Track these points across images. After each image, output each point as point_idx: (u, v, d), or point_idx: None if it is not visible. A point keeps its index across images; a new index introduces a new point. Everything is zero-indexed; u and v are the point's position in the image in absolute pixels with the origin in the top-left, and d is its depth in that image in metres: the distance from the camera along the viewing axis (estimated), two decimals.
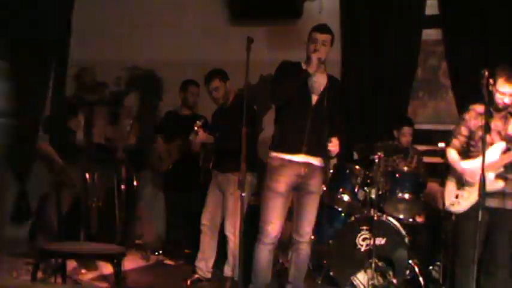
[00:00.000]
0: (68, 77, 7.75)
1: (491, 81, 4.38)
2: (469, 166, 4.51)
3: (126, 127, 6.22)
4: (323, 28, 4.85)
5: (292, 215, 5.00)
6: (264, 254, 4.76)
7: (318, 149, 4.78)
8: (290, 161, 4.74)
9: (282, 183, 4.73)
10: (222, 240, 5.52)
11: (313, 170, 4.81)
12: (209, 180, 5.62)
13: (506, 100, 4.44)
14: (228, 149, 5.30)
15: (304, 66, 4.78)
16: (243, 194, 4.51)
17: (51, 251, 3.94)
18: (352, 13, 7.05)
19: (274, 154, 4.81)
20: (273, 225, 4.71)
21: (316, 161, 4.82)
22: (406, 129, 6.28)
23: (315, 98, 4.80)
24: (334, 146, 4.66)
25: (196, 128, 5.35)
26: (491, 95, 4.42)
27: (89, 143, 6.21)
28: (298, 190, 4.83)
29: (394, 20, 6.89)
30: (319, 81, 4.80)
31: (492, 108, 4.44)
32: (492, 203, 4.41)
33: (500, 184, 4.41)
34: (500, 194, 4.45)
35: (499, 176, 4.42)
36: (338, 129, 4.84)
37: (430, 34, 6.95)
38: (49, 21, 7.53)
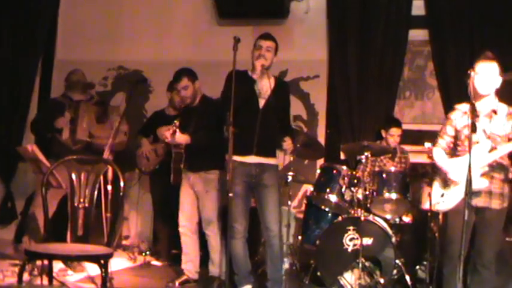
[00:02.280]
0: (53, 77, 7.75)
1: (472, 72, 4.40)
2: (455, 165, 4.53)
3: (114, 125, 6.20)
4: (267, 36, 5.10)
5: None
6: (239, 247, 5.01)
7: (269, 149, 5.06)
8: (241, 163, 4.95)
9: (236, 185, 4.90)
10: (204, 239, 5.53)
11: (265, 168, 5.02)
12: (180, 180, 5.64)
13: (487, 81, 4.42)
14: (199, 150, 5.40)
15: (250, 73, 5.02)
16: (230, 194, 4.59)
17: (37, 253, 3.91)
18: (339, 13, 7.05)
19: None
20: (240, 222, 4.99)
21: (267, 160, 5.05)
22: (394, 130, 6.30)
23: (262, 102, 5.01)
24: (288, 145, 5.00)
25: (175, 128, 5.35)
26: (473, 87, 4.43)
27: (74, 140, 6.19)
28: (255, 188, 5.05)
29: (381, 20, 6.90)
30: (264, 86, 5.00)
31: (474, 97, 4.42)
32: (478, 202, 4.42)
33: (485, 182, 4.42)
34: (487, 193, 4.46)
35: (484, 175, 4.44)
36: (288, 128, 5.20)
37: (417, 34, 6.98)
38: (35, 22, 7.51)
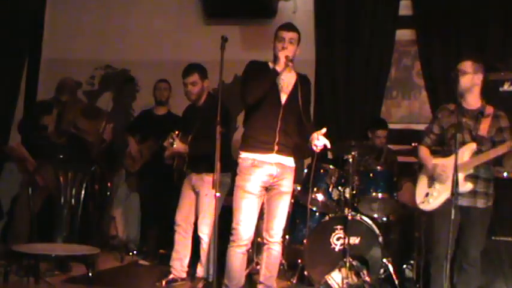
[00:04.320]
0: (40, 76, 7.72)
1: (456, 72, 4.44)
2: (441, 164, 4.55)
3: (99, 126, 6.19)
4: (289, 26, 4.78)
5: (263, 215, 4.96)
6: (238, 256, 4.64)
7: (289, 148, 4.75)
8: (262, 162, 4.66)
9: (254, 183, 4.64)
10: (196, 241, 5.50)
11: (285, 170, 4.74)
12: (183, 181, 5.59)
13: (466, 81, 4.47)
14: (202, 151, 5.27)
15: (271, 66, 4.71)
16: (217, 194, 4.47)
17: (23, 253, 3.90)
18: (326, 13, 7.07)
19: (245, 155, 4.71)
20: (246, 227, 4.62)
21: (287, 161, 4.75)
22: (380, 132, 6.32)
23: (284, 97, 4.72)
24: (321, 141, 4.51)
25: (171, 140, 5.26)
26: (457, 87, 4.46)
27: (59, 132, 6.17)
28: (269, 190, 4.75)
29: (368, 20, 6.93)
30: (287, 80, 4.74)
31: (460, 96, 4.46)
32: (463, 201, 4.44)
33: (469, 186, 4.45)
34: (471, 193, 4.48)
35: (468, 177, 4.46)
36: (312, 125, 4.80)
37: (404, 34, 7.01)
38: (21, 21, 7.47)
